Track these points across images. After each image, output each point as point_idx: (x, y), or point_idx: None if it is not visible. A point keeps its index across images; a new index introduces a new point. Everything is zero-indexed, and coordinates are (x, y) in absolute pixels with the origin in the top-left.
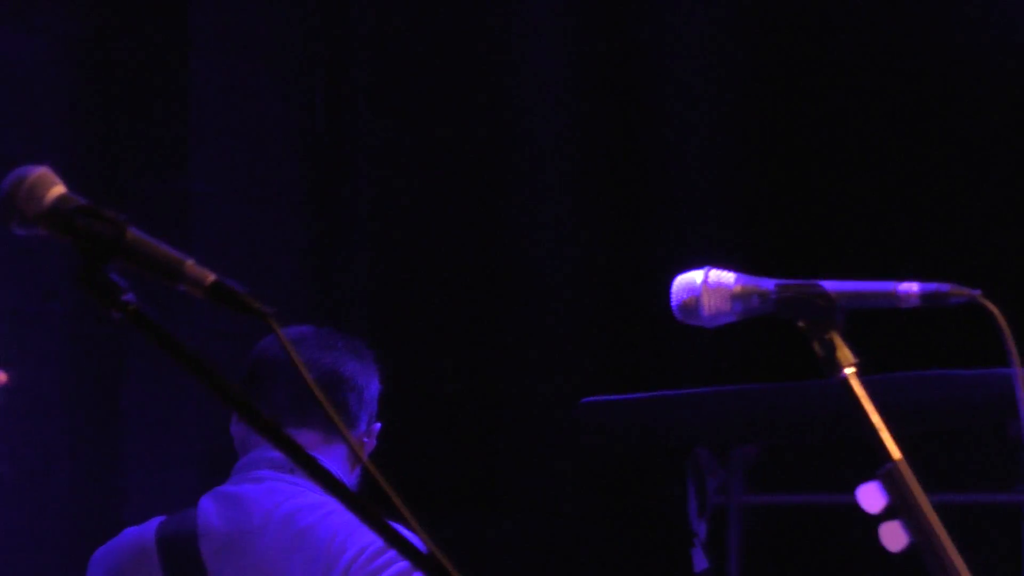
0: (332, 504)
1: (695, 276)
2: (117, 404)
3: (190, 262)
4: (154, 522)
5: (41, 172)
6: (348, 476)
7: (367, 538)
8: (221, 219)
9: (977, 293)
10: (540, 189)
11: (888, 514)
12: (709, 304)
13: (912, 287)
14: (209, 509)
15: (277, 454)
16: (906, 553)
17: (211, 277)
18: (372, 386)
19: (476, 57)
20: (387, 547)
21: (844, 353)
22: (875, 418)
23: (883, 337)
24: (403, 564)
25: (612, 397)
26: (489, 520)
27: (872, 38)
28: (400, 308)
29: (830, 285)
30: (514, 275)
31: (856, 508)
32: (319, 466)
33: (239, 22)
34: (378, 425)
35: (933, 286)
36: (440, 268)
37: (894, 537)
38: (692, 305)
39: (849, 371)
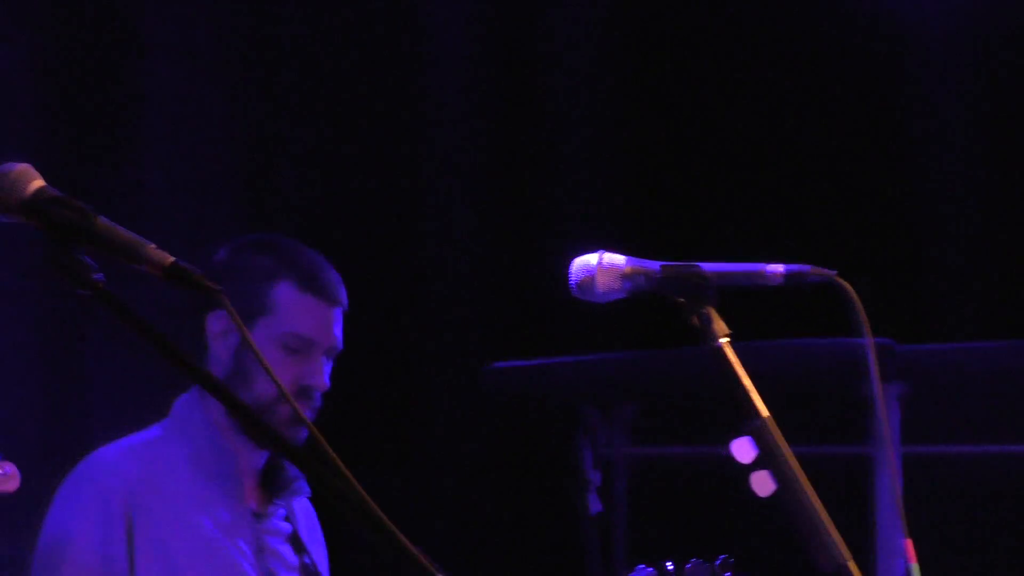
0: None
1: (590, 258)
2: (83, 371)
3: (151, 246)
4: None
5: (22, 167)
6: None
7: None
8: (172, 208)
9: (834, 273)
10: (447, 186)
11: (757, 464)
12: (603, 283)
13: (777, 268)
14: None
15: None
16: (772, 498)
17: (170, 259)
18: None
19: (387, 60)
20: None
21: (719, 325)
22: (746, 381)
23: (753, 311)
24: None
25: (513, 363)
26: (406, 477)
27: (744, 38)
28: None
29: (707, 266)
30: (425, 263)
31: (730, 459)
32: (257, 420)
33: (186, 34)
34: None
35: (796, 267)
36: (359, 252)
37: (763, 484)
38: (588, 283)
39: (723, 340)
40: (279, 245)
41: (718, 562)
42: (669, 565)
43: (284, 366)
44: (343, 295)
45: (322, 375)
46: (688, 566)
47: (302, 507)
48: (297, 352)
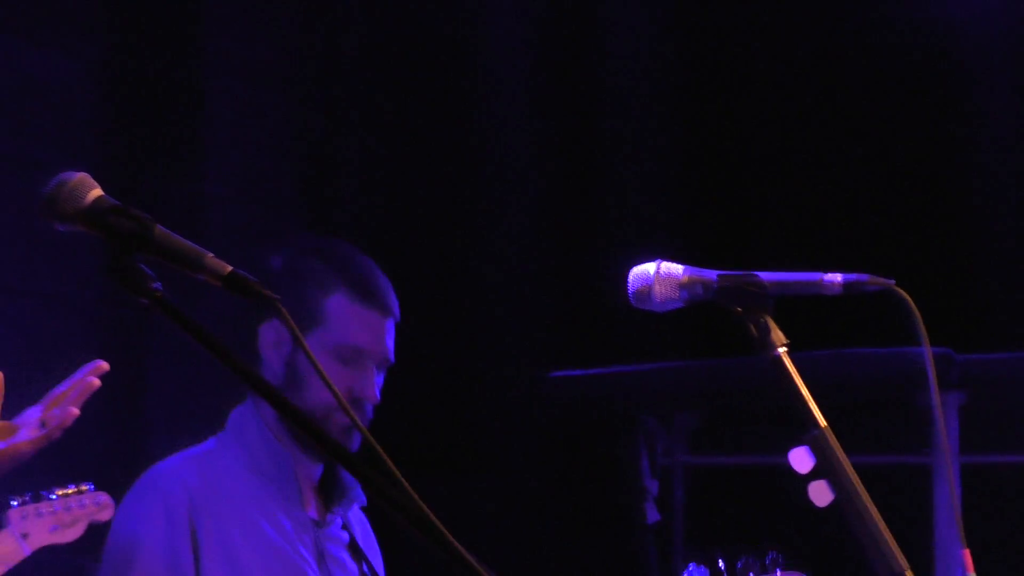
0: None
1: (648, 267)
2: (142, 381)
3: (210, 255)
4: None
5: (81, 176)
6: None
7: None
8: (231, 217)
9: (892, 282)
10: (506, 195)
11: (815, 474)
12: (660, 292)
13: (835, 277)
14: None
15: None
16: (830, 508)
17: (228, 268)
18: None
19: (446, 71)
20: None
21: (777, 334)
22: (803, 390)
23: (811, 320)
24: None
25: (572, 372)
26: (464, 484)
27: (801, 51)
28: None
29: (765, 275)
30: (485, 272)
31: (787, 468)
32: (314, 428)
33: (248, 46)
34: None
35: (854, 276)
36: (419, 261)
37: (821, 494)
38: (645, 293)
39: (781, 350)
40: (333, 253)
41: (768, 559)
42: (721, 563)
43: (336, 377)
44: (396, 306)
45: (373, 387)
46: (739, 564)
47: (357, 517)
48: (349, 363)
